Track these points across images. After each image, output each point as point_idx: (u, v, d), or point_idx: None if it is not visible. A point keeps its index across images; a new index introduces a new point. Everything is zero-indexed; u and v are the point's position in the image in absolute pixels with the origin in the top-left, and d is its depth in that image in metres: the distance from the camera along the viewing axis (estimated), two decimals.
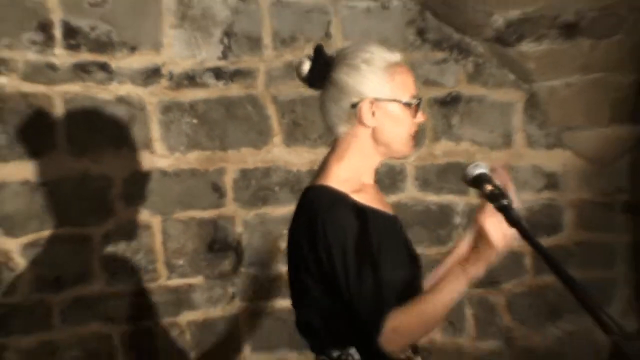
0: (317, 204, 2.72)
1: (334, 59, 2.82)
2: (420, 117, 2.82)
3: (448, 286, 2.68)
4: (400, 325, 2.59)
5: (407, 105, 2.77)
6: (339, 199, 2.71)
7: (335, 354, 2.77)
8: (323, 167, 2.84)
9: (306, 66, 2.86)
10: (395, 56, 2.79)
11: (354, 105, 2.76)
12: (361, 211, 2.71)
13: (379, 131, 2.77)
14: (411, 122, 2.79)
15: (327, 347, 2.79)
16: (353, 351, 2.75)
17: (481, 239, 2.63)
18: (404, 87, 2.77)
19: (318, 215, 2.69)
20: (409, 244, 2.92)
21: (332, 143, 2.84)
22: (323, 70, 2.83)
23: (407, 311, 2.61)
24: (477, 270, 2.67)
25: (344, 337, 2.76)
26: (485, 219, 2.60)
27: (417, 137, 2.85)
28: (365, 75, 2.75)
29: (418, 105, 2.81)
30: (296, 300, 2.86)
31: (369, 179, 2.85)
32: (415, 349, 2.87)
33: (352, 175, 2.80)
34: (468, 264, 2.67)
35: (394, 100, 2.76)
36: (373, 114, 2.75)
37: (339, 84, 2.78)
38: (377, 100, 2.75)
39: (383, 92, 2.75)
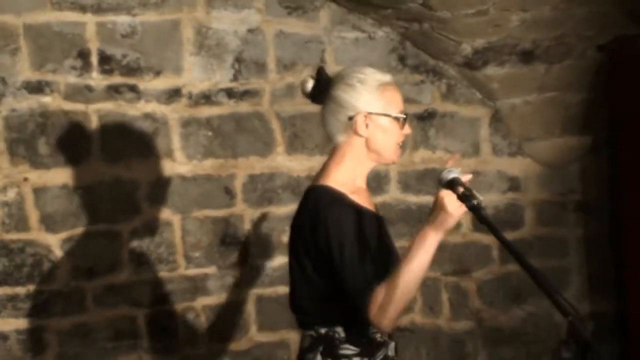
0: (320, 201, 2.74)
1: (334, 78, 2.85)
2: (407, 129, 2.84)
3: (418, 252, 2.65)
4: (386, 297, 2.58)
5: (396, 119, 2.80)
6: (339, 198, 2.73)
7: (323, 330, 2.78)
8: (323, 170, 2.85)
9: (310, 84, 2.88)
10: (386, 77, 2.83)
11: (351, 118, 2.78)
12: (358, 209, 2.73)
13: (371, 141, 2.79)
14: (399, 134, 2.81)
15: (316, 324, 2.80)
16: (339, 329, 2.77)
17: (439, 210, 2.62)
18: (394, 103, 2.80)
19: (320, 210, 2.71)
20: (391, 241, 2.92)
21: (331, 150, 2.85)
22: (324, 88, 2.85)
23: (389, 284, 2.60)
24: (438, 233, 2.65)
25: (332, 317, 2.78)
26: (444, 194, 2.62)
27: (403, 146, 2.84)
28: (360, 92, 2.78)
29: (405, 119, 2.82)
30: (294, 282, 2.85)
31: (361, 182, 2.86)
32: (390, 335, 2.86)
33: (349, 179, 2.81)
34: (430, 229, 2.65)
35: (385, 115, 2.78)
36: (367, 125, 2.77)
37: (337, 99, 2.80)
38: (370, 114, 2.77)
39: (375, 107, 2.77)
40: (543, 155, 4.94)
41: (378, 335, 2.80)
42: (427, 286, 4.71)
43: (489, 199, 4.79)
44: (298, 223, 2.82)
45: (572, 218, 5.04)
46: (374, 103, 2.77)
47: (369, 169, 2.86)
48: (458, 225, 4.77)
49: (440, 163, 4.70)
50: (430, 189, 4.69)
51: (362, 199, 2.81)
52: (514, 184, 4.92)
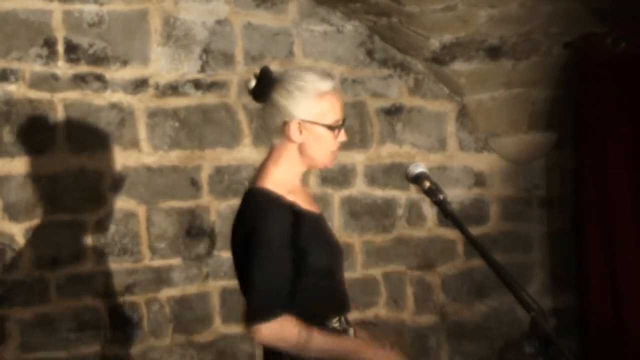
0: (255, 205, 2.81)
1: (276, 80, 2.87)
2: (342, 137, 2.88)
3: (340, 348, 2.76)
4: (285, 332, 2.68)
5: (330, 127, 2.83)
6: (274, 201, 2.79)
7: None
8: (261, 170, 2.91)
9: (252, 83, 2.91)
10: (327, 85, 2.85)
11: (285, 123, 2.82)
12: (294, 211, 2.79)
13: (304, 147, 2.85)
14: (333, 142, 2.86)
15: None
16: None
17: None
18: (330, 111, 2.83)
19: (255, 214, 2.78)
20: (331, 237, 2.97)
21: (269, 150, 2.90)
22: (265, 89, 2.87)
23: (301, 329, 2.69)
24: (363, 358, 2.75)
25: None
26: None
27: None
28: (297, 99, 2.81)
29: (341, 126, 2.86)
30: (240, 282, 2.88)
31: (299, 182, 2.92)
32: (347, 321, 2.91)
33: (285, 178, 2.86)
34: (363, 352, 2.75)
35: (318, 123, 2.82)
36: (300, 132, 2.82)
37: (275, 103, 2.84)
38: (304, 121, 2.81)
39: (310, 115, 2.81)
40: (509, 151, 4.98)
41: (337, 325, 2.85)
42: (392, 280, 4.73)
43: (454, 194, 4.82)
44: (236, 226, 2.88)
45: (536, 214, 5.08)
46: (309, 111, 2.81)
47: (303, 171, 2.92)
48: (423, 220, 4.82)
49: (407, 158, 4.73)
50: (397, 183, 4.71)
51: (300, 199, 2.86)
52: (479, 180, 4.95)
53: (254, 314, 2.69)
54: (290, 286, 2.72)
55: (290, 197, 2.82)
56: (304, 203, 2.86)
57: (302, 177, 2.93)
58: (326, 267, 2.82)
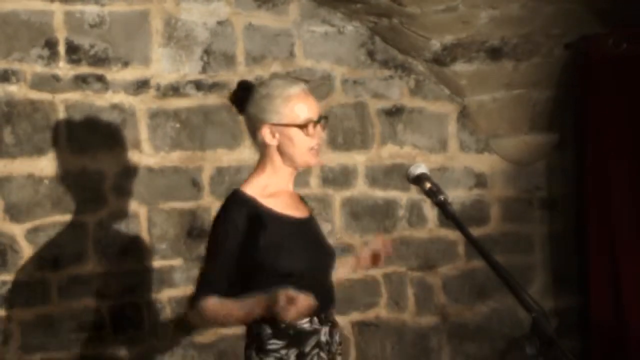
0: (221, 205, 3.05)
1: (249, 91, 3.07)
2: (316, 133, 3.00)
3: (246, 310, 2.90)
4: (203, 309, 2.91)
5: (300, 127, 2.97)
6: (237, 202, 2.99)
7: (254, 327, 2.99)
8: (249, 175, 3.11)
9: (233, 97, 3.15)
10: (293, 89, 3.01)
11: (259, 129, 3.02)
12: (257, 214, 2.97)
13: (282, 149, 3.01)
14: (307, 140, 2.99)
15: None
16: (266, 326, 2.96)
17: (279, 305, 2.78)
18: (299, 112, 2.98)
19: (217, 214, 3.04)
20: (319, 241, 3.09)
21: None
22: (241, 102, 3.09)
23: (218, 305, 2.90)
24: (264, 313, 2.86)
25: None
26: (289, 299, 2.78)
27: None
28: (264, 106, 3.00)
29: (315, 124, 3.00)
30: None
31: (286, 186, 3.07)
32: (321, 320, 3.00)
33: (268, 182, 3.04)
34: (265, 305, 2.84)
35: (288, 125, 2.97)
36: (273, 135, 2.99)
37: (248, 113, 3.06)
38: (274, 125, 2.98)
39: (279, 118, 2.98)
40: (510, 152, 4.97)
41: (307, 325, 2.96)
42: (393, 281, 4.73)
43: (455, 195, 4.82)
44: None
45: (537, 215, 5.08)
46: (278, 114, 2.98)
47: (289, 174, 3.07)
48: (424, 221, 4.82)
49: (408, 158, 4.73)
50: (398, 184, 4.71)
51: (279, 202, 3.02)
52: (480, 181, 4.95)
53: (188, 303, 3.03)
54: (228, 282, 2.93)
55: (269, 200, 3.00)
56: (284, 207, 3.03)
57: (291, 180, 3.08)
58: (290, 270, 2.92)
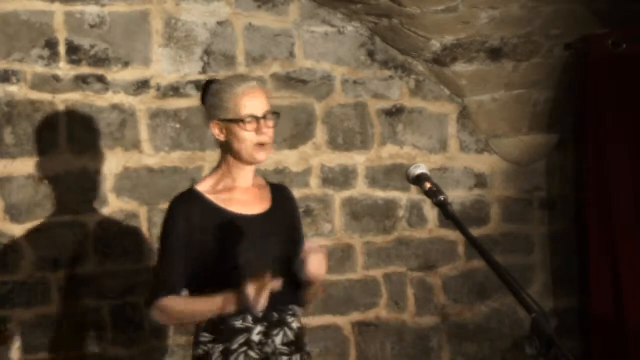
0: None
1: (205, 90, 3.19)
2: (258, 128, 3.06)
3: (207, 304, 2.98)
4: (166, 309, 3.01)
5: (241, 121, 3.04)
6: (184, 199, 3.10)
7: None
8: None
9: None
10: (241, 86, 3.09)
11: (210, 126, 3.14)
12: (202, 209, 3.05)
13: (230, 145, 3.09)
14: (249, 135, 3.06)
15: None
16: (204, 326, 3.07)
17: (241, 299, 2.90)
18: (243, 108, 3.05)
19: (166, 210, 3.15)
20: (268, 237, 3.10)
21: None
22: (202, 99, 3.21)
23: (176, 303, 3.01)
24: (228, 309, 2.95)
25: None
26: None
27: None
28: (213, 103, 3.10)
29: (259, 120, 3.06)
30: None
31: (241, 182, 3.14)
32: (255, 319, 3.02)
33: (223, 179, 3.13)
34: (228, 301, 2.93)
35: (232, 120, 3.05)
36: (221, 131, 3.09)
37: (203, 111, 3.22)
38: (220, 120, 3.08)
39: (225, 114, 3.07)
40: (509, 152, 4.98)
41: (238, 322, 3.00)
42: (393, 281, 4.73)
43: (455, 195, 4.82)
44: None
45: (537, 215, 5.08)
46: (224, 111, 3.07)
47: (244, 169, 3.13)
48: (424, 221, 4.82)
49: (408, 158, 4.73)
50: (398, 184, 4.71)
51: (229, 199, 3.08)
52: (480, 181, 4.95)
53: (145, 301, 3.16)
54: (179, 276, 3.02)
55: (218, 196, 3.08)
56: (233, 203, 3.08)
57: (247, 176, 3.14)
58: (226, 266, 3.00)
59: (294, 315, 3.11)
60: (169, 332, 4.26)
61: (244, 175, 3.13)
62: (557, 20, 4.57)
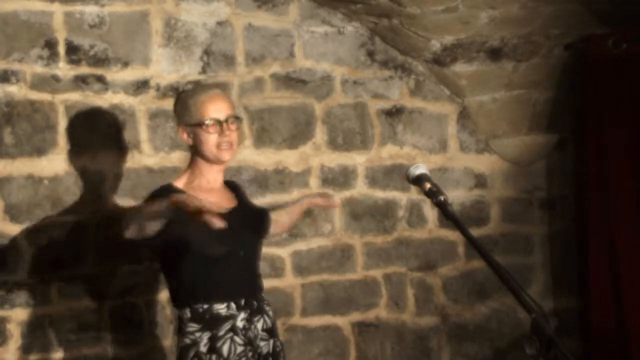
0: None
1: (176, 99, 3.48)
2: (220, 131, 3.29)
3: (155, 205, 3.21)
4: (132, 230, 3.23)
5: (200, 125, 3.29)
6: (158, 191, 3.30)
7: (178, 312, 3.38)
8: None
9: None
10: (205, 94, 3.35)
11: (178, 131, 3.42)
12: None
13: (196, 147, 3.35)
14: (211, 138, 3.30)
15: (175, 307, 3.43)
16: (187, 310, 3.31)
17: None
18: (204, 113, 3.31)
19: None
20: (238, 231, 3.26)
21: None
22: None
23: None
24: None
25: (178, 301, 3.38)
26: None
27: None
28: (180, 110, 3.39)
29: (221, 124, 3.29)
30: None
31: (210, 182, 3.39)
32: (239, 306, 3.27)
33: (192, 178, 3.38)
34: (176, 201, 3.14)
35: (194, 125, 3.31)
36: (189, 135, 3.35)
37: (174, 118, 3.49)
38: (185, 125, 3.36)
39: (188, 120, 3.34)
40: (510, 153, 4.98)
41: (223, 310, 3.26)
42: (393, 281, 4.73)
43: (455, 196, 4.82)
44: None
45: (537, 215, 5.08)
46: (188, 116, 3.33)
47: (213, 169, 3.38)
48: (424, 222, 4.82)
49: (408, 159, 4.73)
50: (398, 184, 4.72)
51: (206, 195, 3.23)
52: (480, 181, 4.95)
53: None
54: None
55: (195, 192, 3.23)
56: (208, 198, 3.21)
57: (216, 176, 3.39)
58: (206, 255, 3.23)
59: (268, 304, 3.41)
60: (169, 332, 4.26)
61: (214, 175, 3.40)
62: (557, 21, 4.57)
